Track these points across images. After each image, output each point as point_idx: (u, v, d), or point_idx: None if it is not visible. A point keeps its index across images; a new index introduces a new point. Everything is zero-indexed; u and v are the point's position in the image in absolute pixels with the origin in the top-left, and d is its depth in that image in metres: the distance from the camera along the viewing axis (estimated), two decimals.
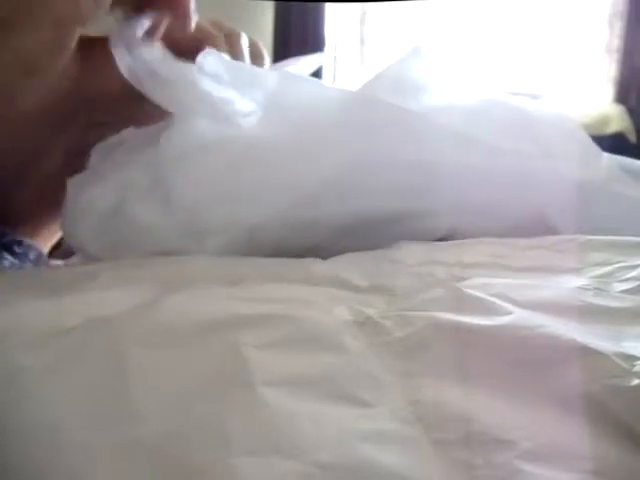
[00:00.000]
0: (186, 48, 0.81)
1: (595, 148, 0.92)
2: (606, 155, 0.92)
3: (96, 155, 0.85)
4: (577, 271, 0.67)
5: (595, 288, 0.62)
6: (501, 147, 0.83)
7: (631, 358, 0.48)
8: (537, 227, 0.83)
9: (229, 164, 0.79)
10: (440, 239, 0.81)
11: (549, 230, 0.83)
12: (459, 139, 0.83)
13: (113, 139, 0.86)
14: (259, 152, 0.80)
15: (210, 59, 0.83)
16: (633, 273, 0.65)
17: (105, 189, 0.81)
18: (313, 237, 0.80)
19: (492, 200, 0.83)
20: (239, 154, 0.79)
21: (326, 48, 2.39)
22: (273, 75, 0.88)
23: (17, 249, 0.82)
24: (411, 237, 0.79)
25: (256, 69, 0.90)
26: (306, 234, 0.79)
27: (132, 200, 0.80)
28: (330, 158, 0.80)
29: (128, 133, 0.86)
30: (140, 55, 0.82)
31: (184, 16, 0.79)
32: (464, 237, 0.80)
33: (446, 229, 0.82)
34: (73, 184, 0.83)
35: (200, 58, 0.82)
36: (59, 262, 0.90)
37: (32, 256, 0.84)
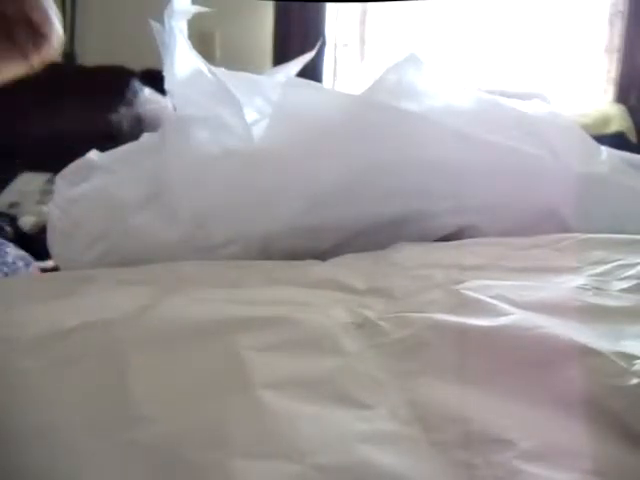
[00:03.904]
0: None
1: (594, 143, 0.93)
2: (606, 149, 0.92)
3: (62, 180, 0.84)
4: (576, 270, 0.67)
5: (594, 287, 0.62)
6: (504, 145, 0.83)
7: (630, 357, 0.48)
8: (547, 223, 0.83)
9: (236, 175, 0.79)
10: (445, 237, 0.81)
11: (560, 225, 0.83)
12: (460, 138, 0.83)
13: (77, 163, 0.85)
14: (266, 161, 0.80)
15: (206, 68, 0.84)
16: (631, 271, 0.65)
17: (93, 209, 0.81)
18: (324, 242, 0.80)
19: (500, 198, 0.83)
20: (246, 164, 0.79)
21: (326, 48, 2.41)
22: (273, 82, 0.88)
23: (7, 258, 0.83)
24: (418, 237, 0.80)
25: (255, 77, 0.90)
26: (317, 240, 0.80)
27: (133, 215, 0.79)
28: (337, 163, 0.80)
29: (94, 155, 0.86)
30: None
31: None
32: (471, 235, 0.80)
33: (453, 228, 0.82)
34: (54, 207, 0.82)
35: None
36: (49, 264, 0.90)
37: (21, 264, 0.85)
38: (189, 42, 0.84)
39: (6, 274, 0.82)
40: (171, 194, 0.77)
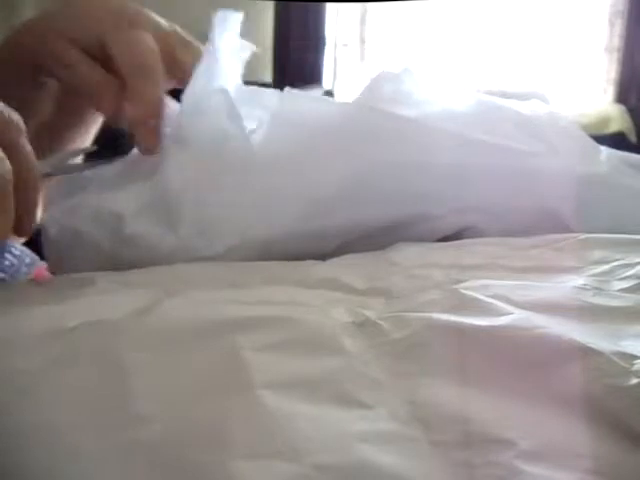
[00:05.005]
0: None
1: (593, 143, 0.92)
2: (606, 149, 0.92)
3: (57, 190, 0.83)
4: (576, 270, 0.67)
5: (594, 287, 0.62)
6: (504, 146, 0.83)
7: (630, 357, 0.48)
8: (547, 223, 0.83)
9: (235, 181, 0.79)
10: (445, 237, 0.81)
11: (560, 225, 0.83)
12: (459, 141, 0.83)
13: (75, 175, 0.85)
14: (266, 167, 0.80)
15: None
16: (632, 271, 0.65)
17: (90, 219, 0.80)
18: (325, 248, 0.80)
19: (500, 199, 0.83)
20: (245, 171, 0.79)
21: (326, 48, 2.40)
22: (274, 94, 0.88)
23: (14, 251, 0.82)
24: (418, 239, 0.79)
25: (258, 89, 0.90)
26: (317, 245, 0.80)
27: (130, 224, 0.79)
28: (336, 169, 0.80)
29: (93, 166, 0.86)
30: None
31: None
32: (471, 235, 0.80)
33: (453, 228, 0.82)
34: (50, 218, 0.82)
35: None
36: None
37: (28, 260, 0.85)
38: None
39: (12, 264, 0.82)
40: (170, 202, 0.76)
